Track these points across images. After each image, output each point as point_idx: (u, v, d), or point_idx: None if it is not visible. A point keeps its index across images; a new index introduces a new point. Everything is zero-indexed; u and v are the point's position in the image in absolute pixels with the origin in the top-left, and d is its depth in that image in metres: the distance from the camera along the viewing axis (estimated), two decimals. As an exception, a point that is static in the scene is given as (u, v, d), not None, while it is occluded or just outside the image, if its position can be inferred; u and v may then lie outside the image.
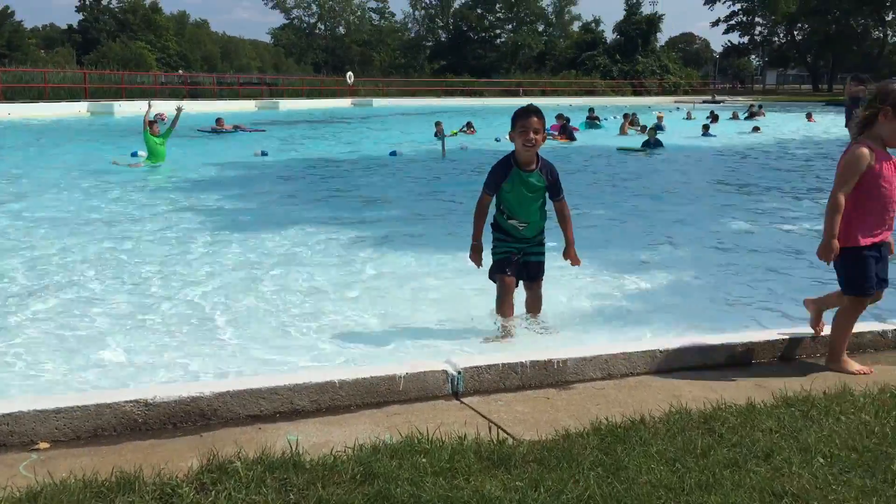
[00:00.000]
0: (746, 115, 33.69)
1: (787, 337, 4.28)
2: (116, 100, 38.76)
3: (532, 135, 4.60)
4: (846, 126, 20.79)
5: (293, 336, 5.17)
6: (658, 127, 23.03)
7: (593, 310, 5.78)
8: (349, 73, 62.03)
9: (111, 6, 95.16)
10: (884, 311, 5.44)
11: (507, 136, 4.74)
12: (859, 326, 4.44)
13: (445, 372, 3.66)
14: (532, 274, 4.94)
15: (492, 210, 4.87)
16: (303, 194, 12.09)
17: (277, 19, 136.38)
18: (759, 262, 7.32)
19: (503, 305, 4.92)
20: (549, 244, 5.02)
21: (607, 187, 12.98)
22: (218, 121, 24.95)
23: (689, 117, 33.85)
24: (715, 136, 23.72)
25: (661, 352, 4.08)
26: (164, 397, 3.24)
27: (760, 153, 19.34)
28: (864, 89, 16.02)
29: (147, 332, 5.22)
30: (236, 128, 25.30)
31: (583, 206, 10.08)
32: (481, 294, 5.81)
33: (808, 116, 33.44)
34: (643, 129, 24.18)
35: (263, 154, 17.61)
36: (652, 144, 19.56)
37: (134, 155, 16.28)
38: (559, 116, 23.60)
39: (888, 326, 4.39)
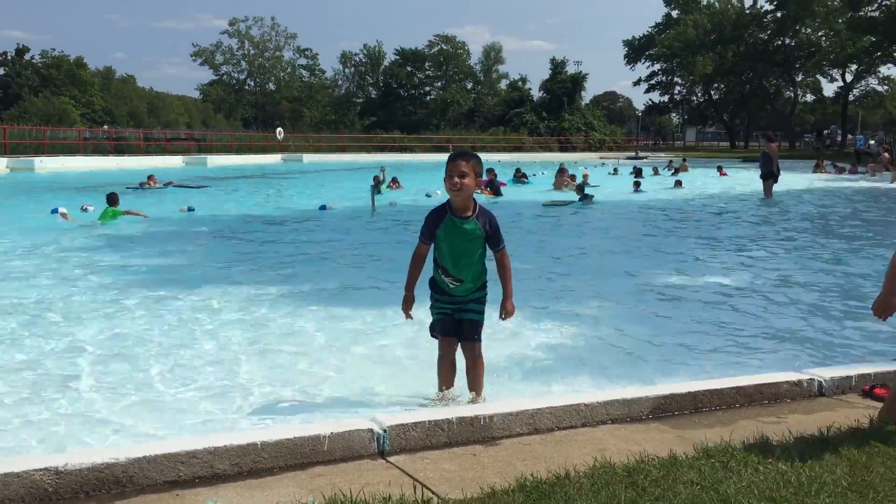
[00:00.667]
0: (672, 171, 34.80)
1: (707, 388, 4.37)
2: (37, 155, 37.80)
3: (457, 178, 4.40)
4: (763, 179, 21.76)
5: (212, 396, 5.03)
6: (585, 184, 23.62)
7: (519, 363, 5.79)
8: (279, 129, 62.02)
9: (34, 61, 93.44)
10: (804, 361, 5.65)
11: (444, 185, 4.55)
12: (775, 376, 4.58)
13: (371, 430, 3.61)
14: (465, 333, 4.63)
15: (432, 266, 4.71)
16: (228, 250, 11.91)
17: (206, 75, 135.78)
18: (681, 314, 7.48)
19: (441, 367, 4.73)
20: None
21: (534, 241, 13.16)
22: (149, 178, 24.57)
23: (615, 172, 35.01)
24: (644, 191, 24.47)
25: (586, 405, 4.12)
26: (77, 464, 3.11)
27: (683, 207, 19.94)
28: (776, 146, 16.93)
29: (55, 394, 5.00)
30: (168, 184, 24.87)
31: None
32: (409, 349, 5.79)
33: (719, 170, 34.92)
34: (572, 178, 25.13)
35: (190, 210, 17.34)
36: (581, 201, 20.04)
37: (54, 212, 15.87)
38: (489, 171, 23.99)
39: (803, 376, 4.53)
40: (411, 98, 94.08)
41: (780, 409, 4.23)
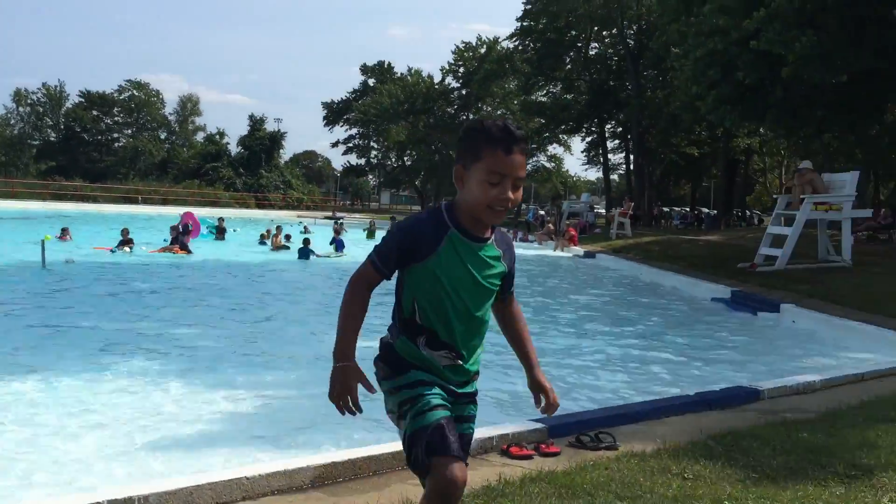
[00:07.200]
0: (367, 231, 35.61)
1: (366, 454, 4.57)
2: None
3: (510, 192, 2.48)
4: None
5: None
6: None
7: (177, 438, 5.61)
8: (-66, 169, 54.56)
9: None
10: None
11: (454, 176, 2.58)
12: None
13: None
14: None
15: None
16: None
17: None
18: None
19: None
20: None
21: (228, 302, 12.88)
22: None
23: (305, 231, 34.81)
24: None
25: (248, 479, 4.11)
26: None
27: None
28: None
29: None
30: None
31: (172, 324, 9.86)
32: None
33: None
34: (288, 237, 26.05)
35: None
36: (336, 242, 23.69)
37: None
38: (185, 226, 23.03)
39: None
40: (97, 144, 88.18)
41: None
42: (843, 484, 4.15)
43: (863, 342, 9.87)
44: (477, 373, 2.71)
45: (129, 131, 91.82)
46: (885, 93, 23.08)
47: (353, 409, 2.48)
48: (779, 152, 55.03)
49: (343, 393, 2.45)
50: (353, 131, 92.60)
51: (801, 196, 16.68)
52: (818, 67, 18.23)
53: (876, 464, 4.44)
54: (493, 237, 2.61)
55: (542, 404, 2.82)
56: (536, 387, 2.83)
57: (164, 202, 58.92)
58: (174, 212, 43.17)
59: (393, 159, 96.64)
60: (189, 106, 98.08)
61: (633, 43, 49.19)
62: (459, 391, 2.63)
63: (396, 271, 2.56)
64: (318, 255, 22.20)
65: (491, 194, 2.46)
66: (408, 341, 2.58)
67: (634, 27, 49.49)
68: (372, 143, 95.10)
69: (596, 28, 52.39)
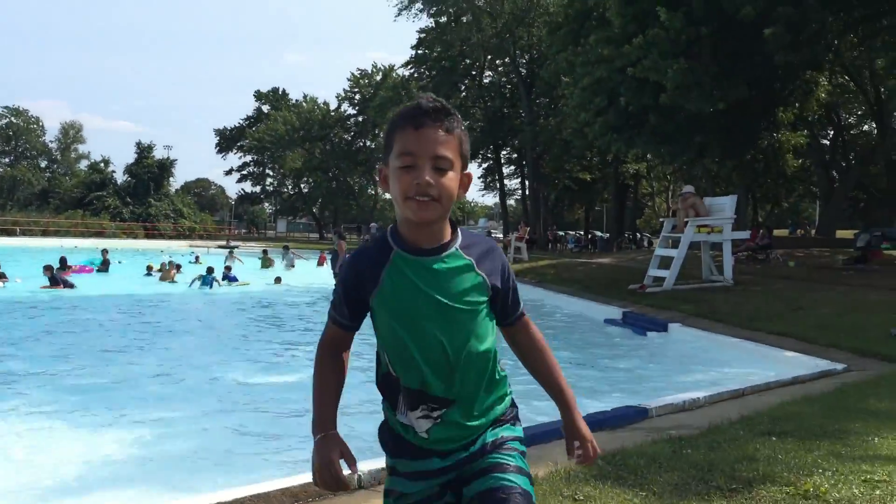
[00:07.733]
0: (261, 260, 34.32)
1: (255, 492, 4.43)
2: None
3: (427, 175, 1.97)
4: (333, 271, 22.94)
5: None
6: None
7: (51, 481, 5.30)
8: None
9: None
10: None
11: (379, 180, 2.13)
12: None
13: None
14: None
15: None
16: None
17: None
18: (230, 418, 7.51)
19: None
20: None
21: (111, 339, 12.33)
22: None
23: (196, 261, 33.68)
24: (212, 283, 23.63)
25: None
26: None
27: (277, 303, 20.28)
28: (344, 244, 18.37)
29: None
30: None
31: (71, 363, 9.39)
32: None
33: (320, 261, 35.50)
34: (178, 268, 25.00)
35: None
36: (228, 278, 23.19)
37: None
38: (62, 260, 21.95)
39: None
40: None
41: (322, 505, 4.45)
42: (725, 497, 4.28)
43: (743, 358, 10.31)
44: (498, 419, 2.17)
45: (7, 160, 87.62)
46: (758, 120, 24.43)
47: (337, 485, 2.05)
48: (665, 177, 57.36)
49: (322, 470, 2.03)
50: (248, 158, 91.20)
51: (685, 219, 17.40)
52: (695, 96, 19.15)
53: (755, 476, 4.61)
54: (456, 244, 2.08)
55: (577, 453, 2.25)
56: (573, 433, 2.26)
57: (45, 234, 56.22)
58: (55, 243, 41.23)
59: (289, 186, 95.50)
60: (72, 133, 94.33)
61: (525, 71, 50.46)
62: (450, 463, 2.11)
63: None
64: (220, 284, 22.18)
65: (404, 181, 1.97)
66: (389, 407, 2.18)
67: (526, 56, 50.81)
68: (267, 171, 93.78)
69: (489, 57, 53.51)
